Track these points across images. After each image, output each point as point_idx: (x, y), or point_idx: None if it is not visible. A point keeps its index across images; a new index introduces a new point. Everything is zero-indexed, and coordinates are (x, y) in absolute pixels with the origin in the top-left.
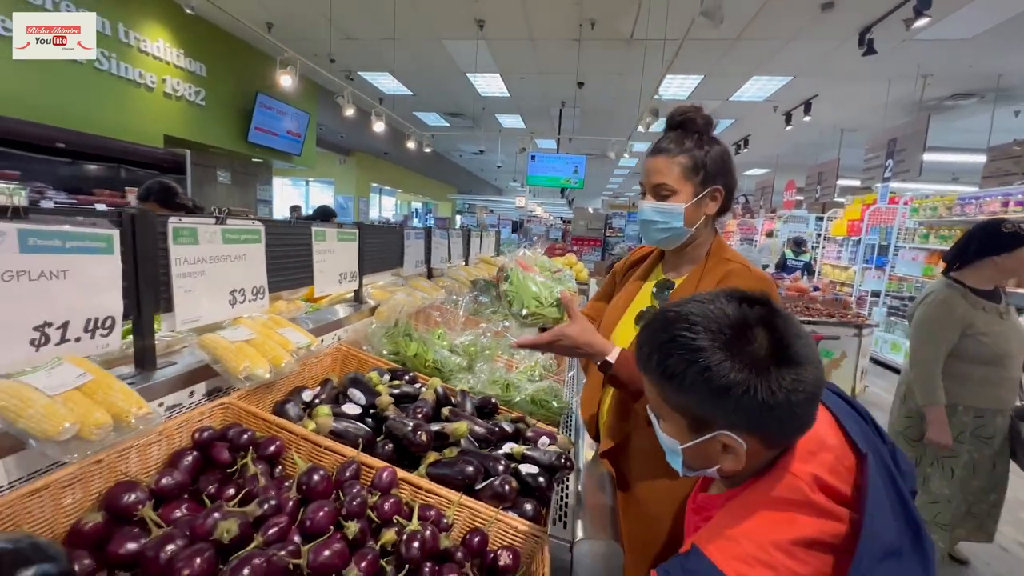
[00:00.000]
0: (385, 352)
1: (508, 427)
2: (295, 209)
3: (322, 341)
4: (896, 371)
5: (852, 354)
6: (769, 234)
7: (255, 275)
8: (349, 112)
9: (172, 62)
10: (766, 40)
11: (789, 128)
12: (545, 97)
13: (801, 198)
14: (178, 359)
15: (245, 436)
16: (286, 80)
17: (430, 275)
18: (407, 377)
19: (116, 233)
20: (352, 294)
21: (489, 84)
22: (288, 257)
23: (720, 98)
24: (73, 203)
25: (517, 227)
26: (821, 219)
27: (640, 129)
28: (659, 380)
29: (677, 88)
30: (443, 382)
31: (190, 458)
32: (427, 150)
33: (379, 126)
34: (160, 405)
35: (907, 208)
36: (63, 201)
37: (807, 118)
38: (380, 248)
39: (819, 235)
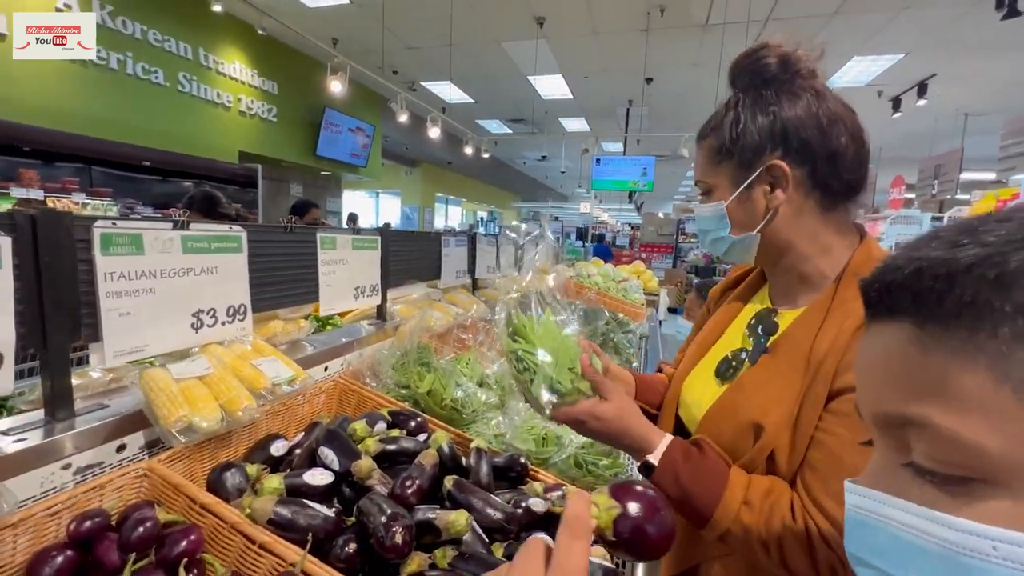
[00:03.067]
0: (394, 385)
1: (539, 506)
2: (352, 219)
3: (326, 369)
4: None
5: None
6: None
7: (233, 291)
8: (403, 118)
9: (247, 82)
10: (873, 13)
11: (897, 115)
12: (611, 96)
13: (911, 196)
14: (115, 400)
15: (142, 528)
16: (336, 86)
17: (475, 287)
18: (414, 423)
19: (6, 241)
20: (375, 310)
21: (551, 86)
22: (285, 269)
23: None
24: (158, 216)
25: (582, 234)
26: (939, 219)
27: None
28: None
29: None
30: (463, 428)
31: (60, 560)
32: (485, 155)
33: (435, 132)
34: (66, 468)
35: None
36: (149, 216)
37: (921, 102)
38: (413, 257)
39: None
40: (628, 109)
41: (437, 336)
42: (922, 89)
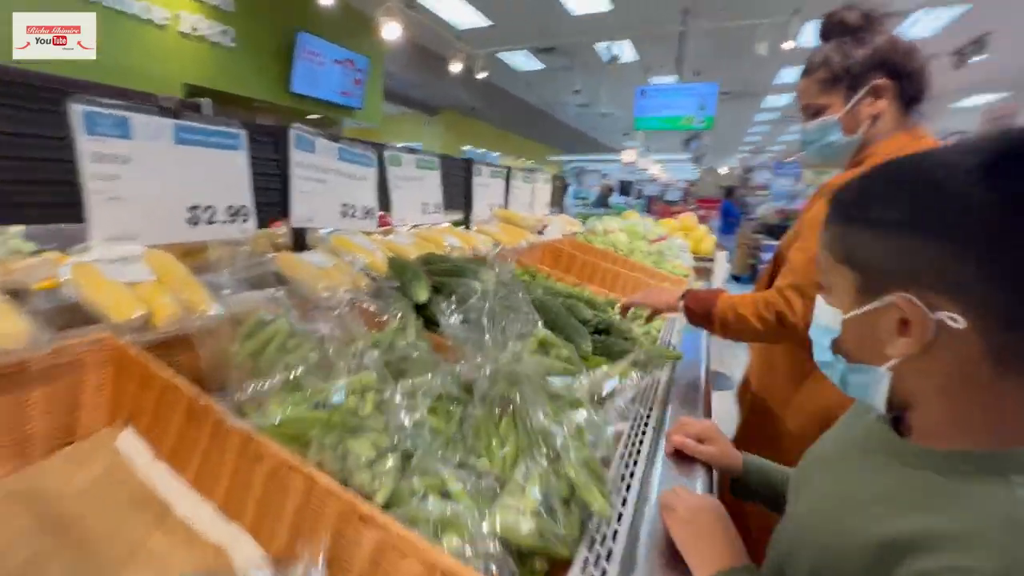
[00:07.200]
0: None
1: None
2: None
3: None
4: None
5: None
6: None
7: None
8: (395, 36)
9: None
10: None
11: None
12: (660, 3)
13: None
14: None
15: None
16: None
17: (301, 245)
18: None
19: None
20: None
21: None
22: None
23: None
24: None
25: (626, 189)
26: None
27: None
28: None
29: None
30: None
31: None
32: (480, 76)
33: (392, 29)
34: None
35: None
36: None
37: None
38: None
39: None
40: (682, 22)
41: None
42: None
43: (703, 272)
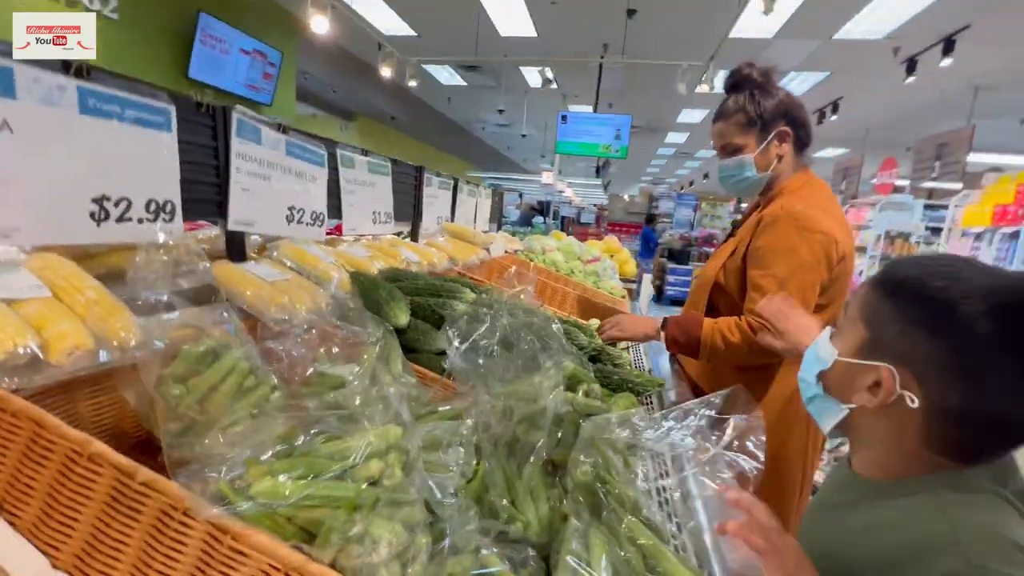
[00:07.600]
0: None
1: None
2: None
3: None
4: None
5: None
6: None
7: None
8: (323, 30)
9: None
10: None
11: (911, 80)
12: (583, 36)
13: (902, 182)
14: None
15: None
16: None
17: (238, 254)
18: None
19: None
20: None
21: (510, 16)
22: None
23: (820, 36)
24: None
25: (544, 210)
26: (936, 207)
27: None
28: None
29: (765, 20)
30: None
31: None
32: (412, 83)
33: (320, 22)
34: None
35: None
36: None
37: (946, 62)
38: None
39: (934, 228)
40: (603, 56)
41: None
42: (949, 46)
43: (629, 293)
